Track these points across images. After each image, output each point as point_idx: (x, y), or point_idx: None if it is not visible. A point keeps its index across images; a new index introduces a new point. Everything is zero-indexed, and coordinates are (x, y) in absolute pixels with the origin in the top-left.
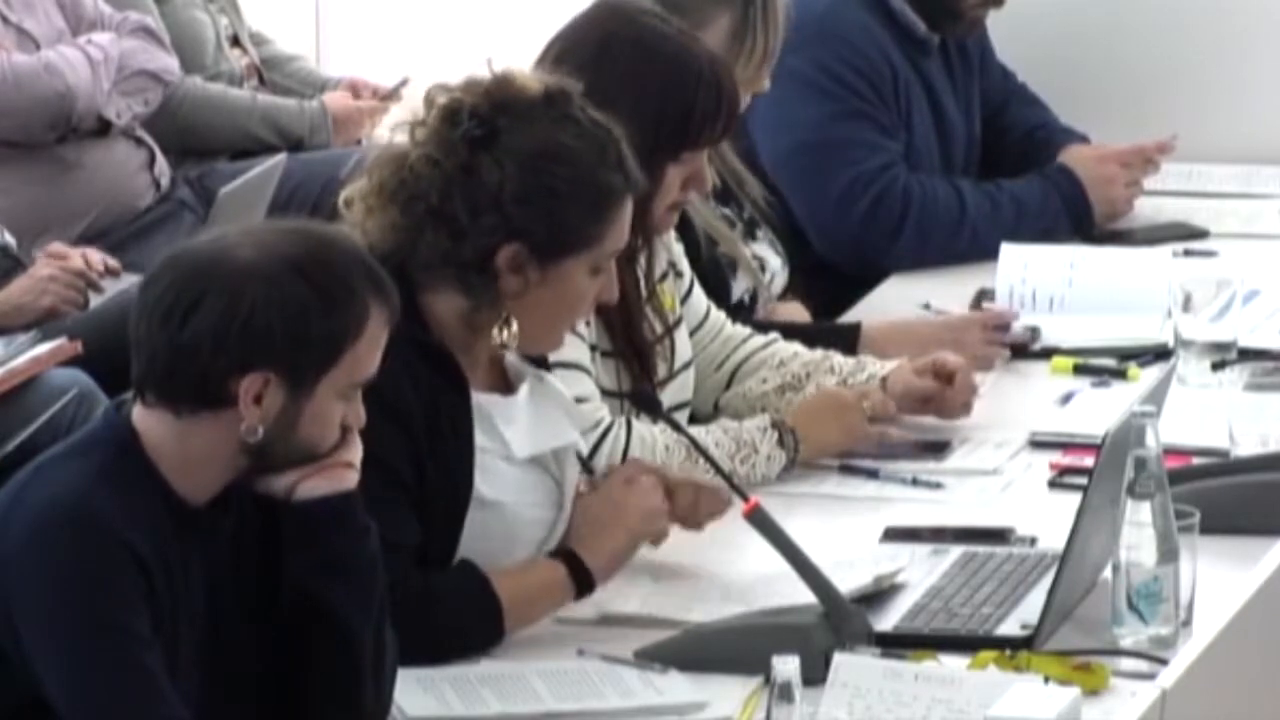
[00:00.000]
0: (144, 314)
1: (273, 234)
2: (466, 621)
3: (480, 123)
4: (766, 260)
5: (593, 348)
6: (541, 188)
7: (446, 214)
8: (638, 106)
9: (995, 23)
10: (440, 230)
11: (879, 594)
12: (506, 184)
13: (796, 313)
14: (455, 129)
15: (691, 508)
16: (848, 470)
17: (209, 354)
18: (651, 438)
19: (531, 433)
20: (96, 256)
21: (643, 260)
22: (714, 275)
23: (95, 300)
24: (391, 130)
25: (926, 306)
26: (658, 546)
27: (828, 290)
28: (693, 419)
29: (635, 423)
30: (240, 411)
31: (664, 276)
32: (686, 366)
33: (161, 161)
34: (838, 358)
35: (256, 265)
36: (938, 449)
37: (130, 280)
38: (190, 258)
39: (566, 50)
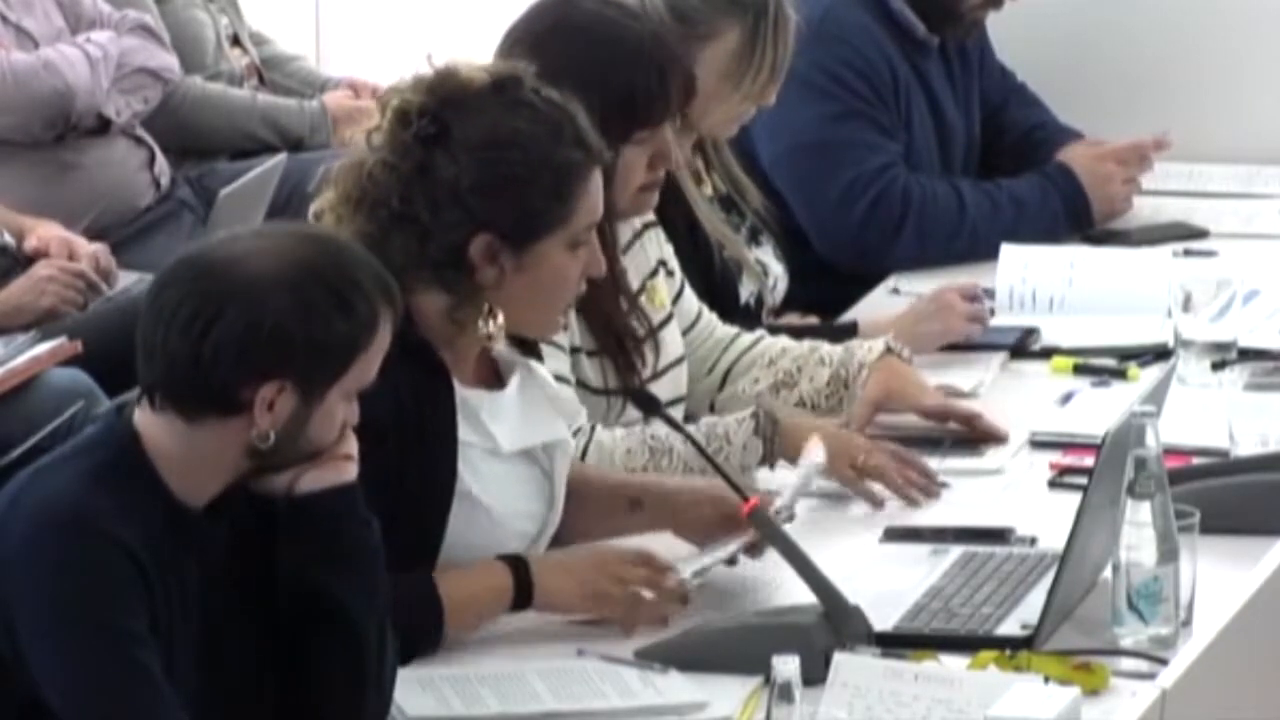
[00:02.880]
0: (160, 321)
1: (287, 240)
2: (409, 624)
3: (431, 119)
4: (769, 266)
5: (575, 349)
6: (497, 176)
7: (409, 216)
8: (579, 92)
9: (995, 23)
10: (407, 232)
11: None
12: (463, 177)
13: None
14: (407, 129)
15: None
16: None
17: (231, 364)
18: (611, 442)
19: (520, 427)
20: (88, 250)
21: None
22: (724, 280)
23: (95, 300)
24: (349, 136)
25: (895, 291)
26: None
27: (828, 291)
28: (688, 419)
29: (599, 430)
30: (254, 418)
31: (654, 274)
32: (678, 363)
33: (161, 161)
34: (826, 348)
35: (277, 274)
36: (972, 444)
37: (130, 279)
38: (206, 264)
39: (511, 45)
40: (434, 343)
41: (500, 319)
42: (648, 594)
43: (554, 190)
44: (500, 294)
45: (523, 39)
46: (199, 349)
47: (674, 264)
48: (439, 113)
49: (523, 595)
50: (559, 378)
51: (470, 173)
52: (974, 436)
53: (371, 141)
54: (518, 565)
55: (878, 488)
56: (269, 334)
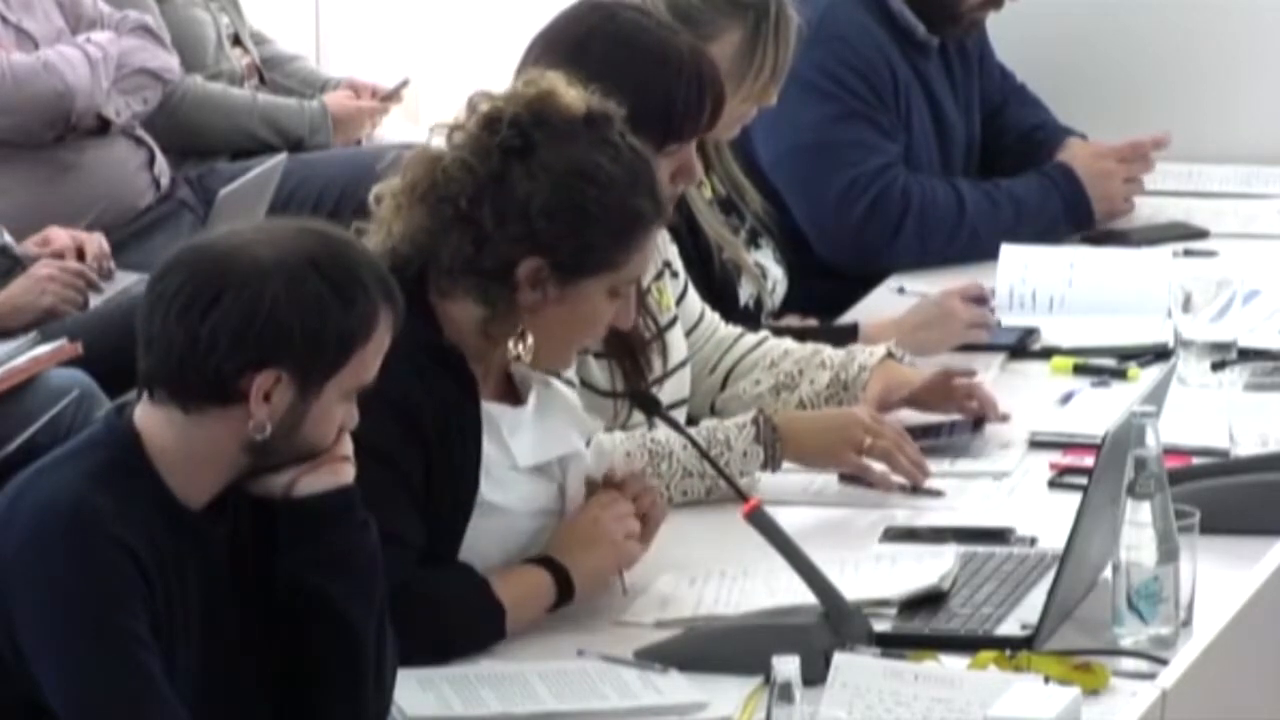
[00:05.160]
0: (158, 308)
1: (288, 231)
2: (472, 625)
3: (518, 133)
4: (768, 269)
5: (583, 351)
6: (571, 206)
7: (473, 219)
8: (617, 98)
9: (995, 23)
10: (465, 235)
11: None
12: (536, 197)
13: None
14: (493, 136)
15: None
16: (847, 478)
17: (226, 350)
18: (611, 445)
19: (537, 442)
20: (94, 245)
21: None
22: (724, 282)
23: (95, 300)
24: (431, 130)
25: (901, 290)
26: (628, 568)
27: (828, 291)
28: (690, 421)
29: (599, 433)
30: (250, 409)
31: (659, 276)
32: (682, 365)
33: (161, 161)
34: (828, 351)
35: (277, 262)
36: (974, 427)
37: (130, 279)
38: (206, 252)
39: (547, 48)
40: (462, 351)
41: (530, 340)
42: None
43: (618, 234)
44: (532, 320)
45: (559, 43)
46: (196, 334)
47: (678, 265)
48: (529, 128)
49: (563, 591)
50: (566, 382)
51: (544, 195)
52: (968, 412)
53: (453, 139)
54: (550, 565)
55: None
56: (265, 321)
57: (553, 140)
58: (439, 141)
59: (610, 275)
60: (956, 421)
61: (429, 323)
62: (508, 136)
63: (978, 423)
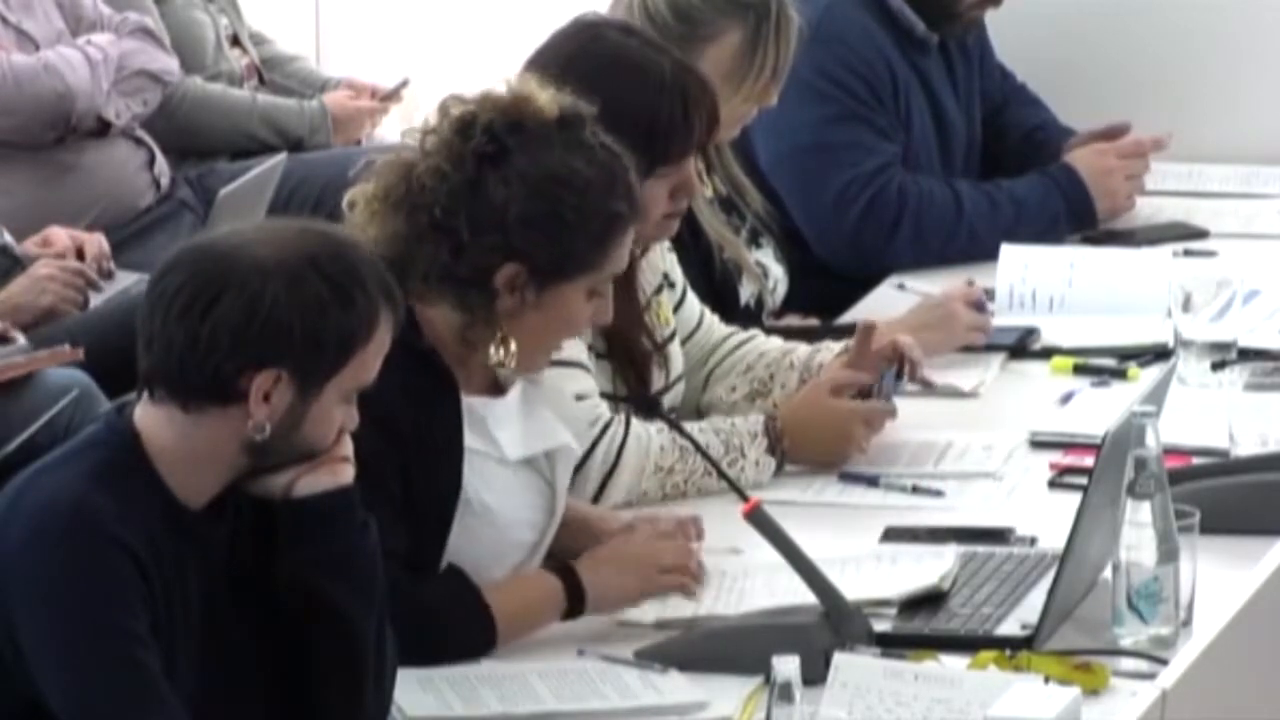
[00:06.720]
0: (159, 307)
1: (289, 232)
2: (461, 635)
3: (491, 139)
4: (769, 268)
5: (587, 348)
6: (548, 213)
7: (449, 228)
8: (602, 122)
9: (994, 23)
10: (441, 243)
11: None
12: (513, 205)
13: None
14: (466, 142)
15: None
16: (847, 478)
17: (227, 349)
18: (647, 436)
19: (524, 435)
20: (94, 245)
21: (635, 273)
22: (724, 281)
23: (95, 300)
24: (402, 136)
25: (901, 287)
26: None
27: (828, 291)
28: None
29: (634, 420)
30: (249, 408)
31: (659, 289)
32: (679, 379)
33: (161, 161)
34: (799, 350)
35: (278, 262)
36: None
37: (130, 280)
38: (208, 252)
39: (541, 69)
40: (440, 352)
41: (514, 347)
42: (687, 575)
43: (596, 237)
44: (511, 324)
45: (549, 65)
46: (196, 334)
47: (675, 274)
48: (502, 134)
49: (575, 602)
50: (578, 364)
51: (521, 202)
52: (895, 359)
53: (425, 145)
54: (566, 573)
55: None
56: (265, 321)
57: (527, 146)
58: (412, 145)
59: (588, 277)
60: (884, 373)
61: (407, 324)
62: (481, 142)
63: (899, 370)
